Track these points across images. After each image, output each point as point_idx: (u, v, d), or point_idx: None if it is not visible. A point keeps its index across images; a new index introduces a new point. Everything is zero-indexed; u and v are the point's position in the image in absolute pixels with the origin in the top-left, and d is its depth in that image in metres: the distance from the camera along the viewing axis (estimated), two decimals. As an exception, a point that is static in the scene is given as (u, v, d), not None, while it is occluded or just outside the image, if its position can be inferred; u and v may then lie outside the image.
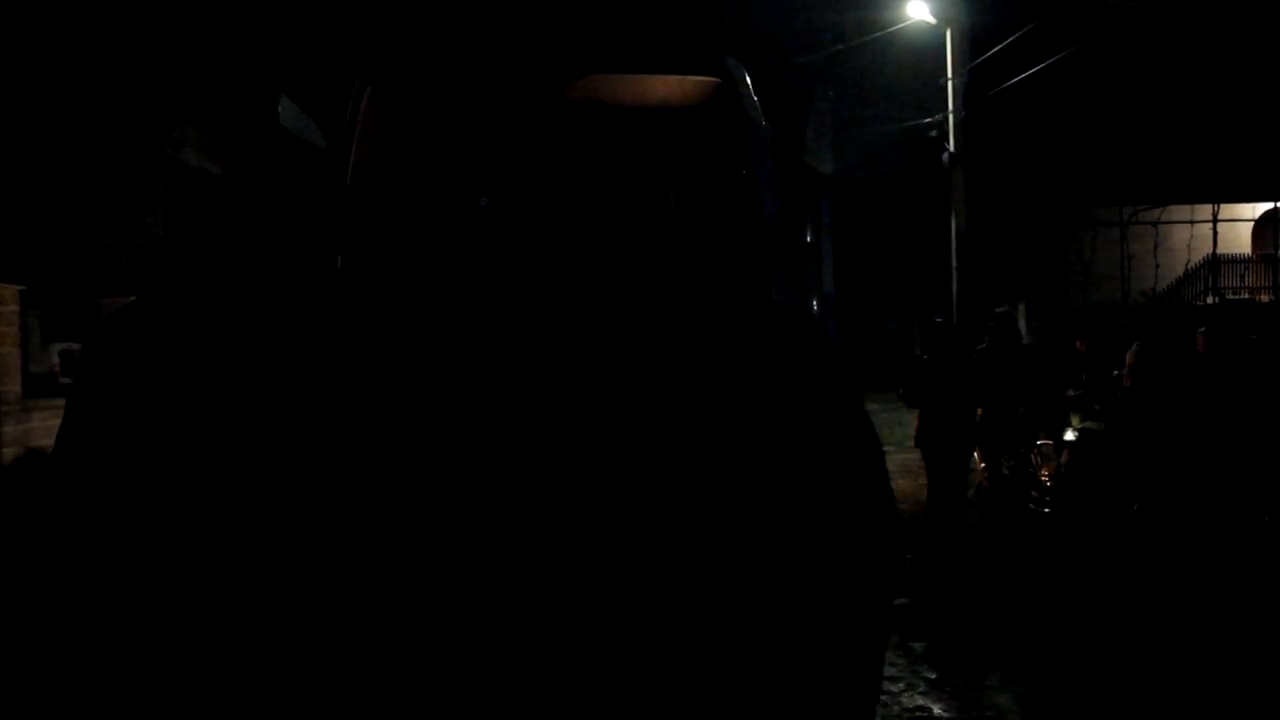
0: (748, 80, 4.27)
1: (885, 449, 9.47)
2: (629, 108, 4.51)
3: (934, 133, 16.41)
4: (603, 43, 4.58)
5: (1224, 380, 7.88)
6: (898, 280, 20.19)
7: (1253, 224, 23.61)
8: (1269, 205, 22.73)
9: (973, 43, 16.13)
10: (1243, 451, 7.62)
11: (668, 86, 4.43)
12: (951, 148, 16.09)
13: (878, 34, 16.60)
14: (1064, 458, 8.42)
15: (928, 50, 16.75)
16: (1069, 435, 8.39)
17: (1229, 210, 22.61)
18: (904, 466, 10.29)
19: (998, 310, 8.70)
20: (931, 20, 15.95)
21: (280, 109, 4.29)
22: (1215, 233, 22.16)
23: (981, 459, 8.42)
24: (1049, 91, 17.54)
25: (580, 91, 4.42)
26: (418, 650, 2.52)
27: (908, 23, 16.22)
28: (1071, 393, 8.79)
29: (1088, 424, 8.33)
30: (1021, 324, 21.14)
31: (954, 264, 16.56)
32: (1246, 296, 21.69)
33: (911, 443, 8.20)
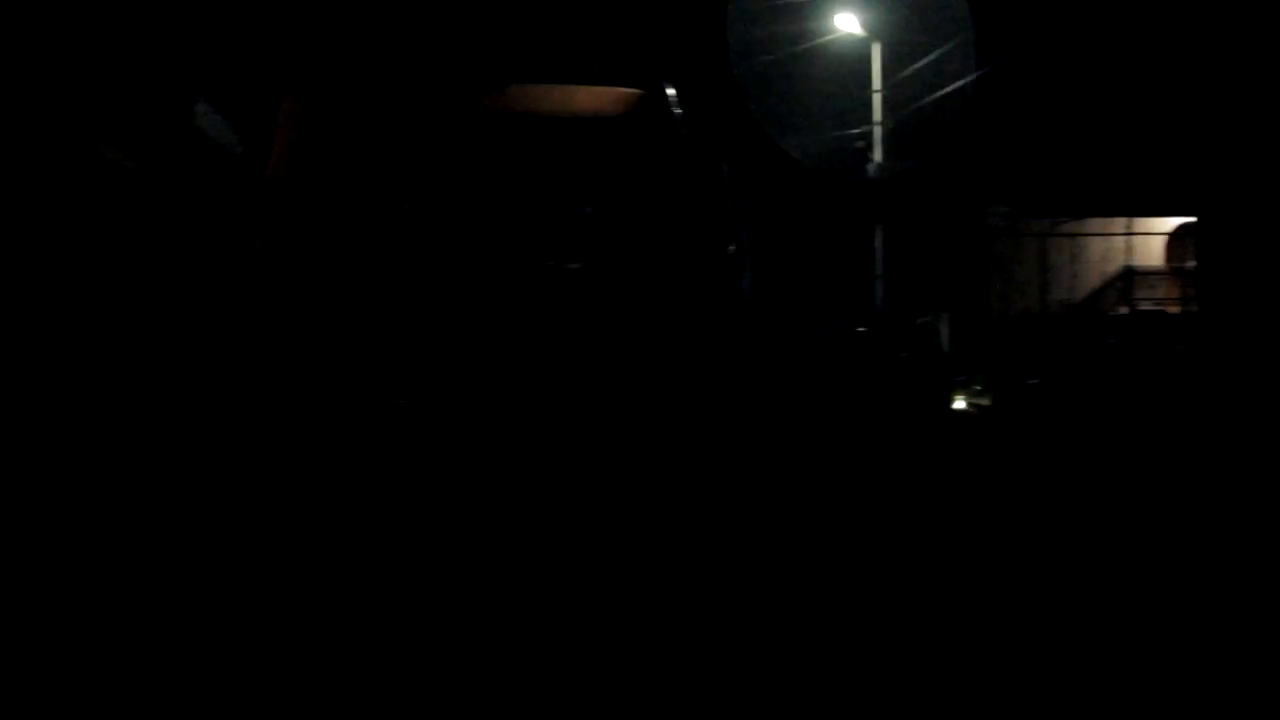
0: (671, 92, 4.32)
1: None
2: (553, 117, 4.52)
3: (860, 143, 16.68)
4: (528, 53, 4.59)
5: (1134, 389, 8.13)
6: (822, 290, 20.46)
7: (1167, 238, 24.37)
8: (1182, 220, 23.48)
9: (899, 56, 16.45)
10: (1153, 459, 7.87)
11: (592, 97, 4.45)
12: (877, 158, 16.37)
13: (807, 45, 16.85)
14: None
15: (858, 62, 17.03)
16: (958, 404, 8.69)
17: (1144, 224, 23.32)
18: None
19: (919, 321, 8.89)
20: (860, 33, 16.23)
21: (197, 111, 4.21)
22: (1129, 246, 22.84)
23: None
24: (973, 103, 17.92)
25: (504, 101, 4.42)
26: None
27: (836, 35, 16.48)
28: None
29: (975, 400, 8.63)
30: (945, 332, 21.60)
31: (879, 273, 16.85)
32: (1156, 308, 22.37)
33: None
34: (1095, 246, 22.96)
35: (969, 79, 15.68)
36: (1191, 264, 22.33)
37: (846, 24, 15.97)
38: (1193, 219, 22.06)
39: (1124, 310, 22.13)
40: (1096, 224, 22.93)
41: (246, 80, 4.38)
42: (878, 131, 16.23)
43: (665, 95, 4.38)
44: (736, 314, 4.16)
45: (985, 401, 8.94)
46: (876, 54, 16.18)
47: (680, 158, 4.12)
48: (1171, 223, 23.89)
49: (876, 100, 16.27)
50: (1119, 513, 7.72)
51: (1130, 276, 23.01)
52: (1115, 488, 7.78)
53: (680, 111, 4.36)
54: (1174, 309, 22.33)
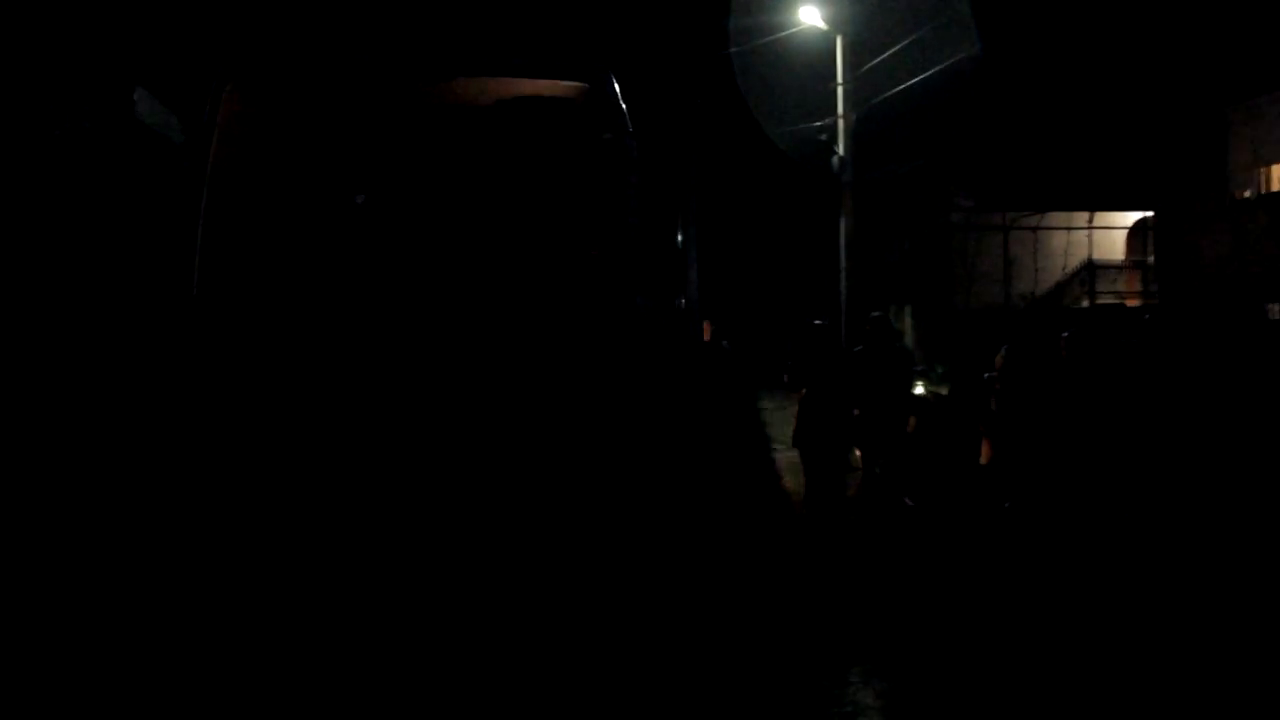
0: (615, 85, 4.31)
1: (775, 448, 9.46)
2: (497, 109, 4.50)
3: (824, 136, 16.68)
4: (473, 45, 4.57)
5: (1084, 383, 8.20)
6: (783, 283, 20.55)
7: (1127, 231, 24.65)
8: (1142, 214, 23.77)
9: (862, 49, 16.46)
10: (1104, 451, 7.95)
11: (537, 90, 4.43)
12: (841, 152, 16.38)
13: (769, 39, 16.86)
14: (911, 424, 8.61)
15: (820, 55, 17.04)
16: (918, 390, 8.78)
17: (1105, 218, 23.58)
18: (791, 464, 10.44)
19: (873, 314, 8.92)
20: (823, 26, 16.23)
21: (135, 100, 4.15)
22: (1090, 240, 23.10)
23: (860, 458, 8.62)
24: (936, 98, 18.04)
25: (449, 93, 4.40)
26: None
27: (799, 28, 16.48)
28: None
29: (932, 387, 8.73)
30: (908, 326, 21.75)
31: (843, 266, 16.85)
32: (1116, 301, 22.63)
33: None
34: (1057, 240, 23.21)
35: (933, 73, 15.76)
36: (1151, 258, 22.63)
37: (809, 17, 15.97)
38: (1151, 214, 22.37)
39: (1085, 304, 22.38)
40: (1059, 218, 23.18)
41: (188, 68, 4.33)
42: (841, 125, 16.25)
43: (612, 88, 4.37)
44: (666, 312, 4.16)
45: (943, 392, 9.02)
46: (840, 47, 16.21)
47: (621, 151, 4.11)
48: (1132, 217, 24.18)
49: (840, 94, 16.28)
50: (1066, 502, 7.83)
51: (1092, 270, 23.27)
52: (1061, 477, 7.87)
53: (625, 106, 4.35)
54: (1134, 302, 22.62)
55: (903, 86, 16.02)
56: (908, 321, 21.93)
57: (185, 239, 3.85)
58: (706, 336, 11.97)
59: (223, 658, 2.82)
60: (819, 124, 16.64)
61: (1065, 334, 8.66)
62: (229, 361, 3.28)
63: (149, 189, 4.11)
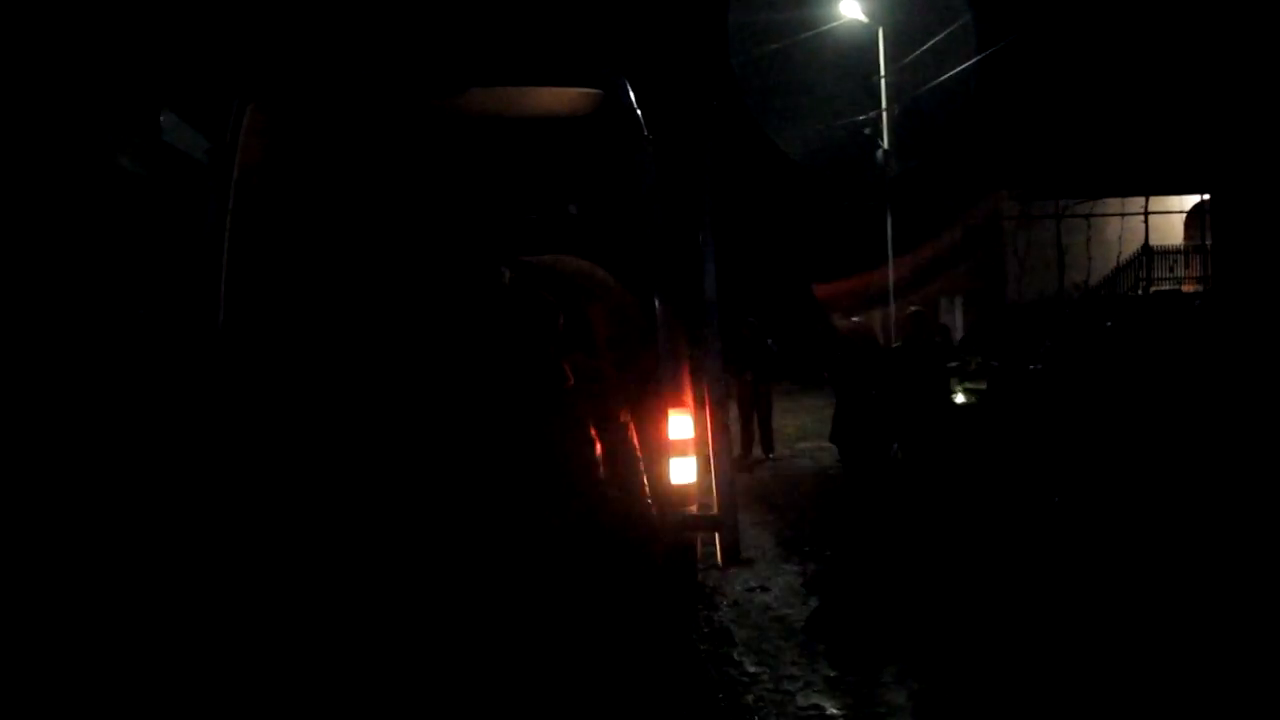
0: (630, 91, 4.33)
1: (824, 444, 9.38)
2: (516, 119, 4.55)
3: (868, 130, 16.58)
4: (488, 56, 4.62)
5: (1132, 375, 8.06)
6: (825, 278, 20.39)
7: (1185, 215, 24.05)
8: (1202, 196, 23.15)
9: (905, 42, 16.33)
10: (1153, 445, 7.80)
11: (554, 98, 4.47)
12: (885, 144, 16.27)
13: (809, 34, 16.76)
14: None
15: (861, 49, 16.91)
16: (959, 398, 8.67)
17: (1162, 202, 23.02)
18: (832, 460, 10.39)
19: (910, 309, 8.84)
20: (864, 19, 16.12)
21: (162, 123, 4.25)
22: (1147, 225, 22.56)
23: (900, 453, 8.55)
24: (982, 87, 17.81)
25: (467, 104, 4.45)
26: None
27: (840, 22, 16.37)
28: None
29: (971, 386, 8.62)
30: (958, 318, 21.46)
31: (890, 259, 16.74)
32: (1174, 287, 22.09)
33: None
34: (1112, 227, 22.71)
35: (975, 60, 15.56)
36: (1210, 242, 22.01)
37: (850, 11, 15.87)
38: (1209, 196, 21.77)
39: (1140, 291, 21.87)
40: (1113, 204, 22.68)
41: (212, 90, 4.43)
42: (884, 118, 16.14)
43: (627, 93, 4.39)
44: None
45: (981, 387, 8.93)
46: (882, 40, 16.08)
47: (639, 156, 4.12)
48: (1191, 200, 23.57)
49: (883, 86, 16.17)
50: (1126, 499, 7.69)
51: (1149, 256, 22.75)
52: (1104, 471, 7.73)
53: (640, 112, 4.36)
54: (1193, 288, 22.05)
55: (947, 75, 15.85)
56: (958, 314, 21.64)
57: (210, 259, 3.93)
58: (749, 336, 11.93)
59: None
60: (862, 118, 16.56)
61: (1108, 324, 8.52)
62: (257, 395, 3.36)
63: (177, 209, 4.21)
